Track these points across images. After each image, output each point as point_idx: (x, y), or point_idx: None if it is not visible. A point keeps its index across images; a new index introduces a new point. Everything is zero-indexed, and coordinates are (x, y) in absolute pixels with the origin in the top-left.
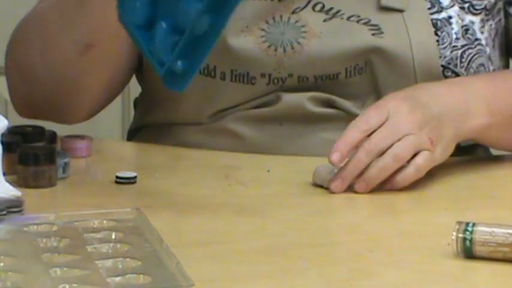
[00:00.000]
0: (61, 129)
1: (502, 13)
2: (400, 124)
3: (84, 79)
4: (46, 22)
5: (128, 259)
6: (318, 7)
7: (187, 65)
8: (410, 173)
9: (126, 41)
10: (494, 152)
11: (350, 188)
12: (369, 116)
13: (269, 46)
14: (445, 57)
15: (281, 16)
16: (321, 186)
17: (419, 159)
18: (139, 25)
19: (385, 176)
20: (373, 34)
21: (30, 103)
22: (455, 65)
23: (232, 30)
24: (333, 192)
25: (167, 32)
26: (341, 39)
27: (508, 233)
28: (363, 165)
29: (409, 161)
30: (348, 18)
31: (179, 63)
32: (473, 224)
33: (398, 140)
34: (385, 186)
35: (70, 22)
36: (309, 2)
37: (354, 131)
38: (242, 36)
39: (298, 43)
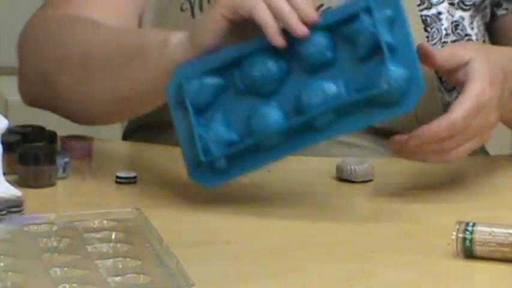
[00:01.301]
0: (61, 130)
1: (487, 11)
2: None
3: (110, 117)
4: (89, 62)
5: (128, 259)
6: None
7: (232, 168)
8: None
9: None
10: (492, 151)
11: (346, 186)
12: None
13: None
14: None
15: None
16: (346, 180)
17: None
18: (193, 106)
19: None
20: None
21: (42, 104)
22: None
23: None
24: (332, 193)
25: (225, 129)
26: None
27: (508, 233)
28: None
29: None
30: None
31: (224, 162)
32: (473, 224)
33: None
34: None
35: (117, 73)
36: None
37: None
38: None
39: None
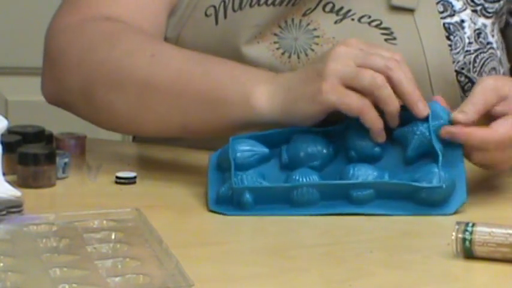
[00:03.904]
0: (59, 128)
1: (503, 18)
2: None
3: (168, 136)
4: (151, 93)
5: (127, 259)
6: (328, 7)
7: (256, 208)
8: None
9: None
10: None
11: None
12: (505, 84)
13: (283, 53)
14: (458, 62)
15: (293, 19)
16: None
17: None
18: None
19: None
20: (385, 40)
21: (76, 112)
22: (469, 70)
23: (245, 38)
24: None
25: (284, 165)
26: None
27: (508, 233)
28: (491, 107)
29: None
30: (359, 20)
31: (248, 196)
32: (473, 224)
33: None
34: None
35: (187, 111)
36: (319, 3)
37: (489, 94)
38: (255, 43)
39: (312, 50)
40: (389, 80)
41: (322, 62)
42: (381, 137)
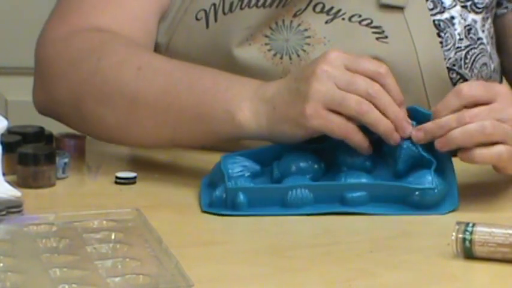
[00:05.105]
0: (59, 128)
1: (493, 11)
2: (506, 112)
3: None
4: (139, 108)
5: (127, 259)
6: (319, 8)
7: (250, 209)
8: (492, 154)
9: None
10: None
11: None
12: (475, 89)
13: (274, 55)
14: (449, 58)
15: (283, 20)
16: None
17: (503, 149)
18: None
19: (467, 142)
20: (377, 38)
21: (66, 122)
22: (460, 66)
23: (237, 40)
24: None
25: (276, 181)
26: (346, 46)
27: (508, 234)
28: (450, 129)
29: None
30: (350, 19)
31: (242, 196)
32: (473, 225)
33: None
34: (463, 156)
35: (175, 126)
36: (309, 3)
37: (454, 99)
38: (247, 46)
39: (304, 51)
40: (374, 106)
41: (304, 80)
42: (368, 151)
